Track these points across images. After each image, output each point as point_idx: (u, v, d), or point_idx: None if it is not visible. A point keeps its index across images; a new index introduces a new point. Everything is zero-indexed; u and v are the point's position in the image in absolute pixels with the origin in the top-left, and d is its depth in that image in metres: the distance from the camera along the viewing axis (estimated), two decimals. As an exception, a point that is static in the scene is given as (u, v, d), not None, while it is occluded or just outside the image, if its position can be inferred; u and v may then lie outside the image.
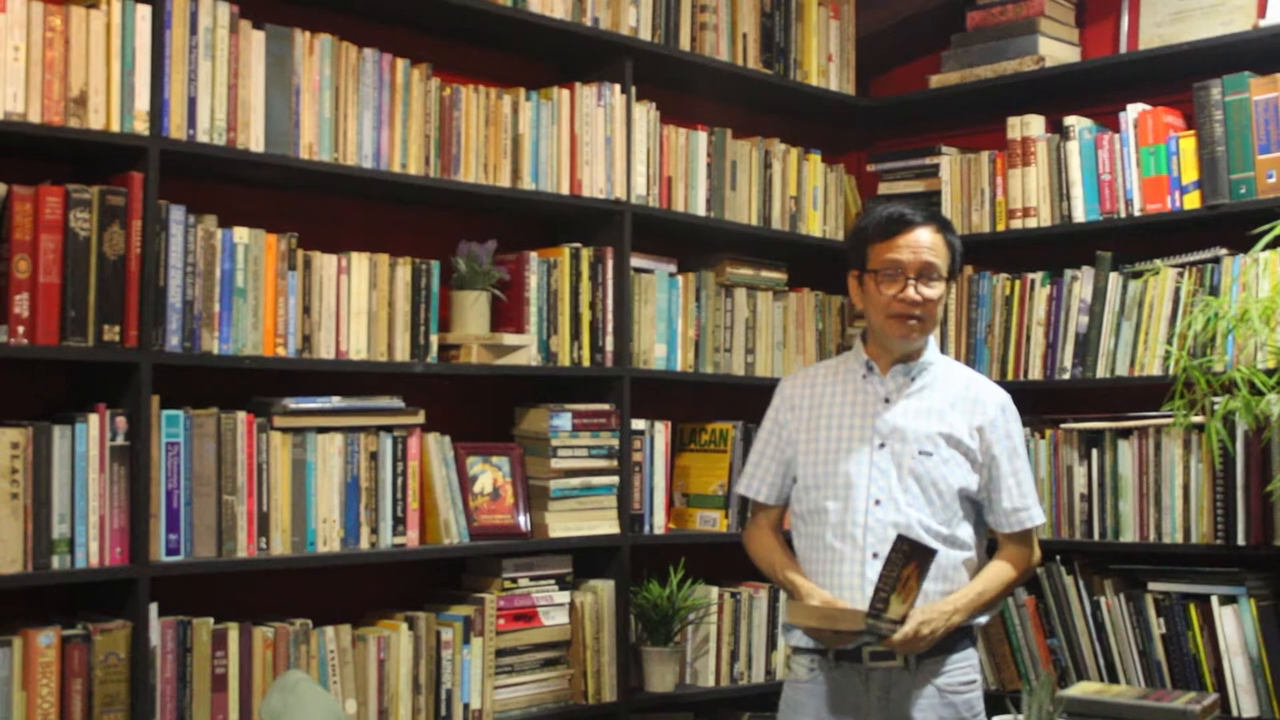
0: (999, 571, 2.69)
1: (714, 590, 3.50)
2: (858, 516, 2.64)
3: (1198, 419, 3.11)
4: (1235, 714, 3.16)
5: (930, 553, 2.50)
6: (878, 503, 2.63)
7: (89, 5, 2.58)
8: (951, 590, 2.63)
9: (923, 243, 2.66)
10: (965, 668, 2.66)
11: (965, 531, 2.68)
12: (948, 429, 2.66)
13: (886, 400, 2.70)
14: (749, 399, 3.70)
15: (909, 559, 2.47)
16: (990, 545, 2.80)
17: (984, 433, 2.68)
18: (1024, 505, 2.70)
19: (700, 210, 3.59)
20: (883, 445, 2.66)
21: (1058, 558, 3.47)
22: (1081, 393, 3.65)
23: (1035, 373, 3.60)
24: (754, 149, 3.73)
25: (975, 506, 2.71)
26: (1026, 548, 2.73)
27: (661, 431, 3.51)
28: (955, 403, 2.69)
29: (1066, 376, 3.54)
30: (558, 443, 3.23)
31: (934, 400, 2.70)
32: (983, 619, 2.71)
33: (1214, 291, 3.29)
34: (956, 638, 2.63)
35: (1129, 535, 3.38)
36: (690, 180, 3.58)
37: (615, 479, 3.33)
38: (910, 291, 2.64)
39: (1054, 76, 3.70)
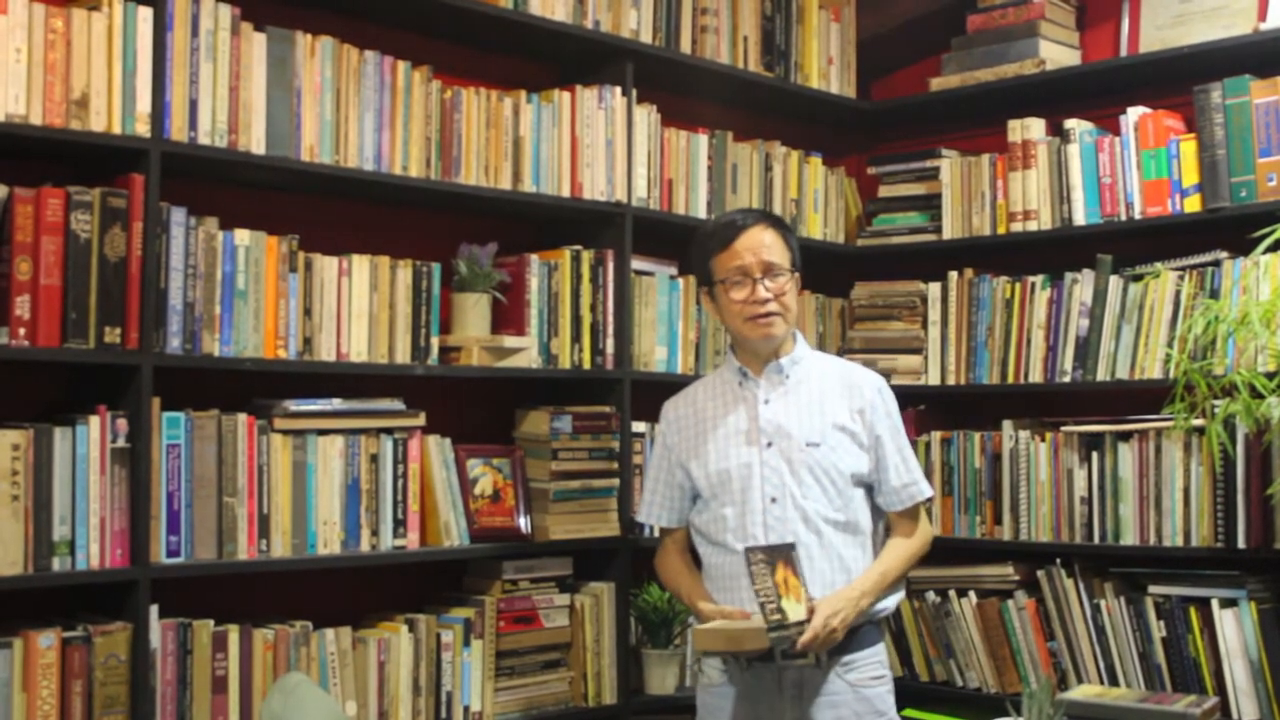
0: (897, 550, 2.74)
1: (714, 593, 3.50)
2: (756, 517, 2.67)
3: (1198, 422, 3.11)
4: (1235, 717, 3.16)
5: (788, 548, 2.57)
6: (774, 500, 2.67)
7: (90, 7, 2.58)
8: (854, 578, 2.67)
9: (761, 242, 2.71)
10: (874, 664, 2.69)
11: (863, 517, 2.72)
12: (831, 417, 2.71)
13: (766, 401, 2.73)
14: (749, 401, 3.70)
15: (770, 565, 2.50)
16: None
17: (865, 415, 2.73)
18: (912, 480, 2.75)
19: (701, 212, 3.59)
20: (770, 445, 2.70)
21: (1058, 560, 3.47)
22: (1082, 396, 3.65)
23: (1036, 375, 3.60)
24: (755, 151, 3.73)
25: (867, 490, 2.76)
26: (916, 521, 2.78)
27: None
28: (833, 391, 2.74)
29: (1067, 379, 3.54)
30: (558, 445, 3.23)
31: (812, 392, 2.74)
32: (890, 602, 2.74)
33: (1214, 294, 3.29)
34: (866, 634, 2.68)
35: (1129, 538, 3.38)
36: (691, 183, 3.58)
37: (616, 481, 3.33)
38: (760, 290, 2.69)
39: (1054, 79, 3.70)
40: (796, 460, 2.68)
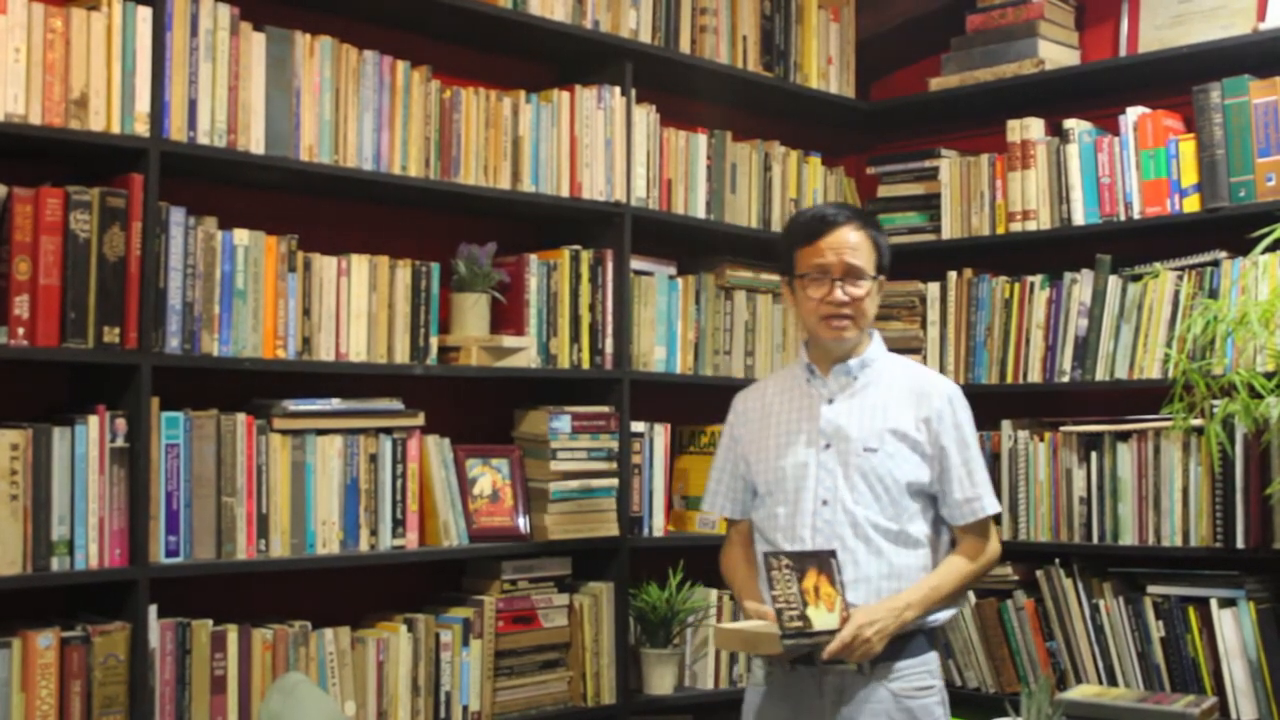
0: (954, 565, 2.65)
1: (713, 593, 3.50)
2: (805, 518, 2.63)
3: (1197, 422, 3.11)
4: (1234, 717, 3.16)
5: (826, 555, 2.50)
6: (825, 503, 2.62)
7: (90, 7, 2.58)
8: (904, 589, 2.60)
9: (846, 243, 2.65)
10: (922, 673, 2.61)
11: (918, 528, 2.64)
12: (893, 424, 2.64)
13: (830, 401, 2.69)
14: (748, 401, 3.69)
15: (801, 570, 2.44)
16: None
17: (931, 424, 2.65)
18: (976, 495, 2.65)
19: (700, 213, 3.59)
20: (828, 446, 2.65)
21: (1057, 561, 3.47)
22: (1081, 395, 3.66)
23: (1035, 375, 3.60)
24: (754, 151, 3.73)
25: (933, 504, 2.68)
26: (983, 539, 2.69)
27: (661, 434, 3.51)
28: (900, 397, 2.68)
29: (1066, 379, 3.54)
30: (557, 445, 3.23)
31: (877, 396, 2.68)
32: (941, 617, 2.66)
33: (1213, 294, 3.29)
34: (914, 641, 2.60)
35: (1128, 538, 3.38)
36: (690, 182, 3.58)
37: (614, 481, 3.33)
38: (837, 293, 2.63)
39: (1054, 79, 3.70)
40: (851, 464, 2.62)
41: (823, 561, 2.49)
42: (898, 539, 2.61)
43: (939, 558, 2.68)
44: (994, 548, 2.72)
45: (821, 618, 2.45)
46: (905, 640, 2.58)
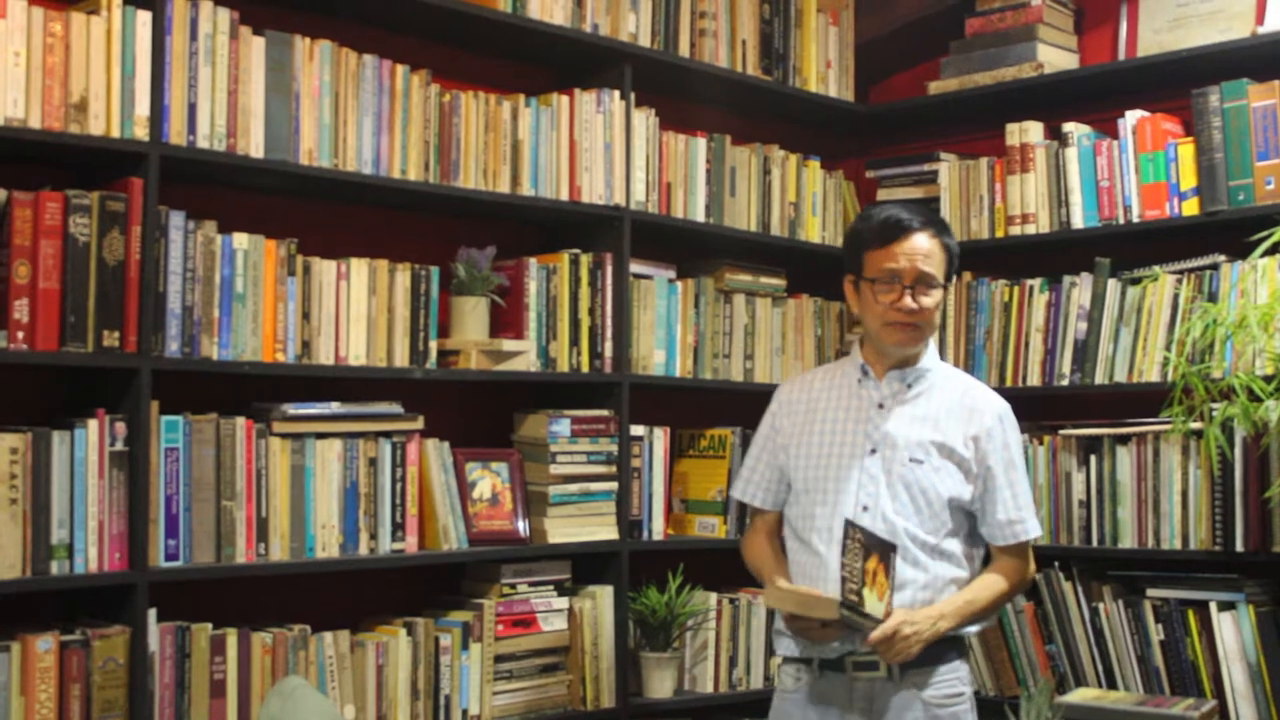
0: (990, 582, 2.64)
1: (712, 596, 3.50)
2: (843, 522, 2.60)
3: (1196, 425, 3.11)
4: (1234, 720, 3.17)
5: (889, 546, 2.50)
6: (865, 509, 2.60)
7: (90, 11, 2.58)
8: (938, 601, 2.59)
9: (919, 250, 2.62)
10: (952, 680, 2.60)
11: (955, 544, 2.63)
12: (941, 437, 2.62)
13: (881, 406, 2.67)
14: (748, 405, 3.69)
15: (867, 550, 2.46)
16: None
17: (979, 442, 2.63)
18: (1019, 518, 2.64)
19: (699, 216, 3.59)
20: (874, 451, 2.63)
21: (1056, 564, 3.47)
22: (1080, 399, 3.66)
23: (1034, 379, 3.60)
24: (753, 155, 3.74)
25: (970, 520, 2.67)
26: (1021, 561, 2.68)
27: (660, 437, 3.51)
28: (951, 411, 2.65)
29: (1065, 383, 3.54)
30: (557, 449, 3.23)
31: (929, 408, 2.66)
32: (973, 629, 2.66)
33: (1212, 298, 3.29)
34: (944, 648, 2.59)
35: (1127, 541, 3.38)
36: (689, 186, 3.58)
37: (614, 485, 3.33)
38: (907, 300, 2.61)
39: (1053, 83, 3.71)
40: (895, 473, 2.60)
41: (885, 552, 2.50)
42: (934, 552, 2.60)
43: (973, 573, 2.67)
44: (1030, 571, 2.71)
45: (872, 603, 2.46)
46: (937, 647, 2.56)
